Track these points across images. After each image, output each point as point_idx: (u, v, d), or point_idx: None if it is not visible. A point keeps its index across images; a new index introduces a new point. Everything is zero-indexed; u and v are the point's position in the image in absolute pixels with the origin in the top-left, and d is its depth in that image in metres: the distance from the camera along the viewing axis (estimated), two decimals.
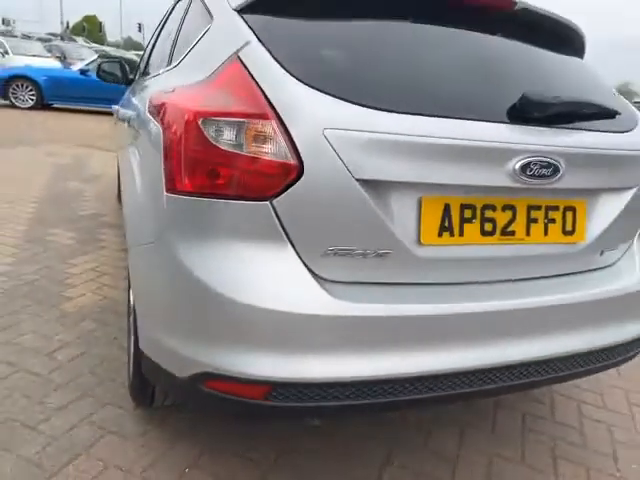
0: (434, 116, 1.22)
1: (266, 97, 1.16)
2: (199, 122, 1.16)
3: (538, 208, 1.41)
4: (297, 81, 1.17)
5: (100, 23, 56.69)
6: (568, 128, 1.37)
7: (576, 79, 1.64)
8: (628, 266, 1.63)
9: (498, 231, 1.36)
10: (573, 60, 1.71)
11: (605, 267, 1.62)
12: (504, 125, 1.28)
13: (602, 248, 1.56)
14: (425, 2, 1.42)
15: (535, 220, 1.41)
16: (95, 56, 12.62)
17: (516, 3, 1.49)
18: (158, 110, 1.42)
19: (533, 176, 1.29)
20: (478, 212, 1.33)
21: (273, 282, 1.18)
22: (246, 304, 1.15)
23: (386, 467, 1.69)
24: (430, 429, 1.89)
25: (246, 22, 1.32)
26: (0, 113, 9.94)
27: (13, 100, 10.54)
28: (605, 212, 1.52)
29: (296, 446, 1.71)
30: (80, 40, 34.88)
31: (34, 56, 14.44)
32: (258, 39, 1.26)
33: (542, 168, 1.29)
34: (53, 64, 13.42)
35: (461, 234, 1.31)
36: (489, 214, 1.34)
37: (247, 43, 1.26)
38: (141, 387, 1.63)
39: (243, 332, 1.18)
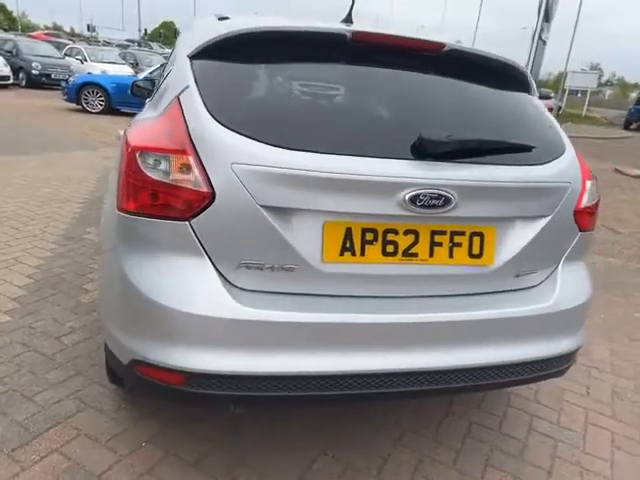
0: (331, 154, 1.41)
1: (189, 135, 1.41)
2: (137, 154, 1.43)
3: (442, 233, 1.56)
4: (215, 122, 1.41)
5: (175, 29, 59.81)
6: (465, 163, 1.51)
7: (505, 114, 1.77)
8: (548, 289, 1.73)
9: (400, 252, 1.53)
10: (509, 95, 1.83)
11: (524, 289, 1.73)
12: (397, 161, 1.45)
13: (516, 271, 1.69)
14: (344, 48, 1.60)
15: (439, 244, 1.56)
16: (159, 64, 13.49)
17: (444, 45, 1.64)
18: (123, 138, 1.72)
19: (424, 206, 1.45)
20: (380, 235, 1.50)
21: (190, 289, 1.43)
22: (167, 306, 1.41)
23: (321, 456, 1.89)
24: (375, 429, 2.07)
25: (192, 67, 1.58)
26: (71, 117, 10.89)
27: (84, 105, 11.51)
28: (517, 238, 1.65)
29: (241, 430, 1.95)
30: (155, 45, 36.92)
31: (110, 63, 15.64)
32: (195, 83, 1.52)
33: (432, 199, 1.45)
34: (126, 71, 14.46)
35: (362, 254, 1.50)
36: (391, 237, 1.51)
37: (187, 87, 1.52)
38: (112, 370, 1.94)
39: (165, 329, 1.43)
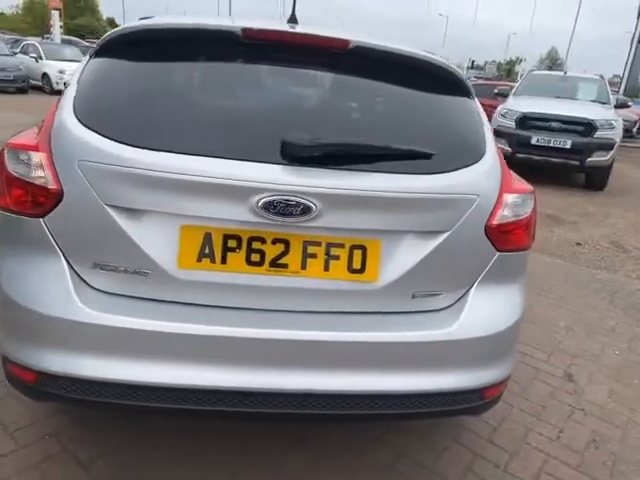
0: (184, 154, 1.34)
1: (50, 132, 1.41)
2: (5, 151, 1.45)
3: (317, 244, 1.43)
4: (75, 118, 1.40)
5: None
6: (335, 169, 1.37)
7: (414, 116, 1.60)
8: (453, 315, 1.54)
9: (267, 263, 1.42)
10: (427, 97, 1.65)
11: (426, 312, 1.55)
12: (255, 164, 1.34)
13: (411, 292, 1.51)
14: (234, 45, 1.50)
15: (313, 255, 1.44)
16: None
17: (348, 42, 1.51)
18: None
19: (279, 214, 1.33)
20: (244, 243, 1.41)
21: (40, 287, 1.42)
22: (19, 304, 1.41)
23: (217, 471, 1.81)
24: (290, 449, 1.94)
25: (84, 66, 1.59)
26: None
27: None
28: (407, 255, 1.48)
29: (147, 438, 1.92)
30: None
31: (69, 61, 14.13)
32: (77, 81, 1.52)
33: (289, 207, 1.33)
34: None
35: (224, 262, 1.41)
36: (256, 246, 1.41)
37: (70, 85, 1.53)
38: None
39: (19, 326, 1.44)
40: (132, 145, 1.35)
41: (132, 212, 1.37)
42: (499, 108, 8.23)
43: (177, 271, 1.40)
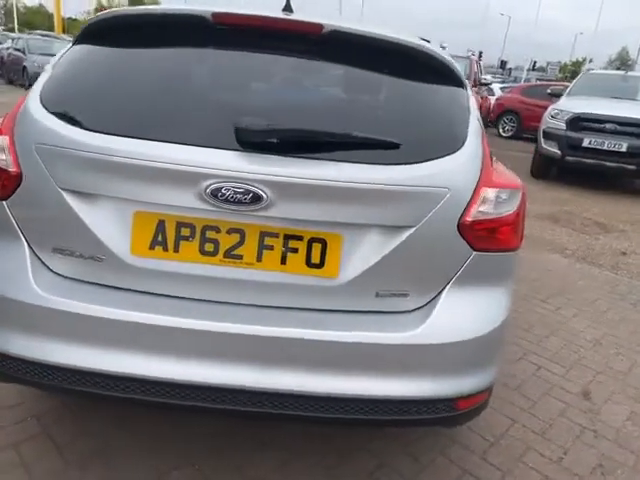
0: (135, 138, 1.31)
1: (15, 116, 1.43)
2: None
3: (274, 235, 1.37)
4: (39, 103, 1.41)
5: None
6: (292, 157, 1.30)
7: (389, 104, 1.50)
8: (420, 317, 1.43)
9: (221, 253, 1.37)
10: (408, 84, 1.54)
11: (393, 313, 1.45)
12: (206, 149, 1.29)
13: (375, 290, 1.41)
14: (204, 30, 1.46)
15: (270, 247, 1.37)
16: None
17: (322, 26, 1.44)
18: None
19: (227, 201, 1.28)
20: (198, 232, 1.36)
21: (1, 271, 1.43)
22: None
23: (183, 467, 1.77)
24: (264, 449, 1.89)
25: (63, 53, 1.60)
26: None
27: None
28: (370, 251, 1.38)
29: (125, 425, 1.92)
30: None
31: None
32: (52, 67, 1.53)
33: (237, 194, 1.27)
34: None
35: (176, 250, 1.37)
36: (211, 235, 1.37)
37: (45, 72, 1.55)
38: None
39: None
40: (85, 128, 1.33)
41: (86, 196, 1.36)
42: (549, 109, 7.83)
43: (130, 258, 1.38)
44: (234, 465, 1.80)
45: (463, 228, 1.40)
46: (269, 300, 1.41)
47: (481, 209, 1.41)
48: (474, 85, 9.20)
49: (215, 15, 1.44)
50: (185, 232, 1.37)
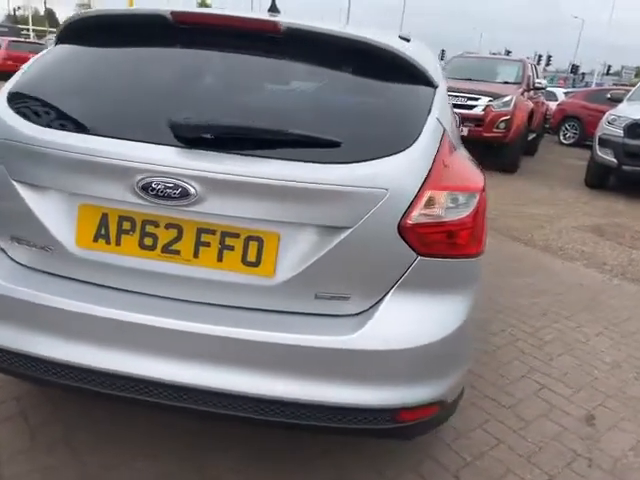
0: (78, 132, 1.36)
1: None
2: None
3: (211, 232, 1.36)
4: (4, 99, 1.48)
5: None
6: (224, 153, 1.29)
7: (339, 102, 1.46)
8: (360, 322, 1.37)
9: (159, 248, 1.38)
10: (364, 82, 1.50)
11: (334, 316, 1.40)
12: (140, 144, 1.32)
13: (314, 291, 1.37)
14: (165, 30, 1.50)
15: (207, 244, 1.37)
16: None
17: (278, 24, 1.43)
18: None
19: (157, 196, 1.29)
20: (138, 226, 1.38)
21: None
22: None
23: (146, 458, 1.80)
24: (227, 449, 1.88)
25: (43, 53, 1.68)
26: None
27: None
28: (306, 250, 1.35)
29: (95, 413, 1.97)
30: None
31: None
32: (25, 68, 1.62)
33: (167, 189, 1.28)
34: None
35: (118, 244, 1.40)
36: (150, 229, 1.38)
37: (19, 70, 1.63)
38: None
39: None
40: (37, 124, 1.39)
41: (36, 188, 1.41)
42: (606, 114, 7.36)
43: (75, 249, 1.42)
44: (196, 464, 1.80)
45: (404, 231, 1.33)
46: (205, 297, 1.41)
47: (425, 212, 1.34)
48: (527, 89, 8.81)
49: (174, 14, 1.46)
50: (126, 226, 1.39)
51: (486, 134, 7.83)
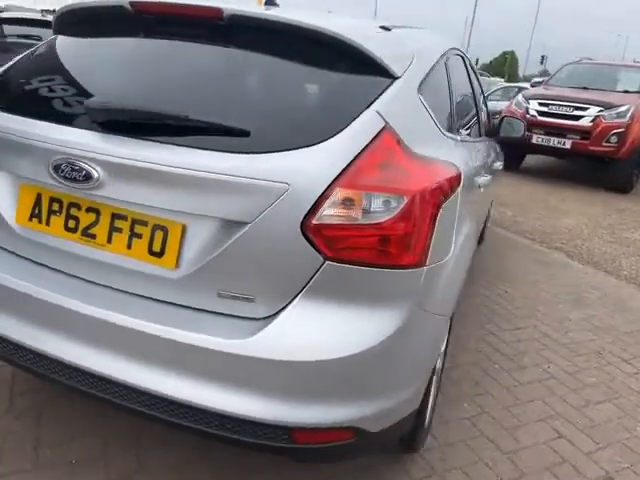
0: (14, 114, 1.44)
1: None
2: None
3: (124, 218, 1.34)
4: None
5: (506, 58, 59.16)
6: (130, 138, 1.27)
7: (251, 88, 1.38)
8: (260, 327, 1.25)
9: (80, 230, 1.39)
10: (279, 66, 1.40)
11: (238, 317, 1.30)
12: (55, 126, 1.36)
13: (216, 289, 1.29)
14: (127, 20, 1.51)
15: (119, 230, 1.35)
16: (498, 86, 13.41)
17: (221, 11, 1.38)
18: None
19: (66, 177, 1.30)
20: (64, 208, 1.41)
21: None
22: None
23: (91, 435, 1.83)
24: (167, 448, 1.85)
25: None
26: None
27: None
28: (208, 245, 1.27)
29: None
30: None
31: None
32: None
33: (73, 171, 1.28)
34: None
35: (47, 224, 1.43)
36: (74, 212, 1.40)
37: None
38: None
39: None
40: None
41: None
42: None
43: (15, 226, 1.48)
44: (137, 457, 1.79)
45: (309, 231, 1.19)
46: (114, 283, 1.39)
47: (334, 212, 1.19)
48: None
49: (132, 3, 1.48)
50: (55, 207, 1.42)
51: (593, 148, 7.04)
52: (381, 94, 1.35)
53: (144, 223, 1.32)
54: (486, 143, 3.00)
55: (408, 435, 1.68)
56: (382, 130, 1.29)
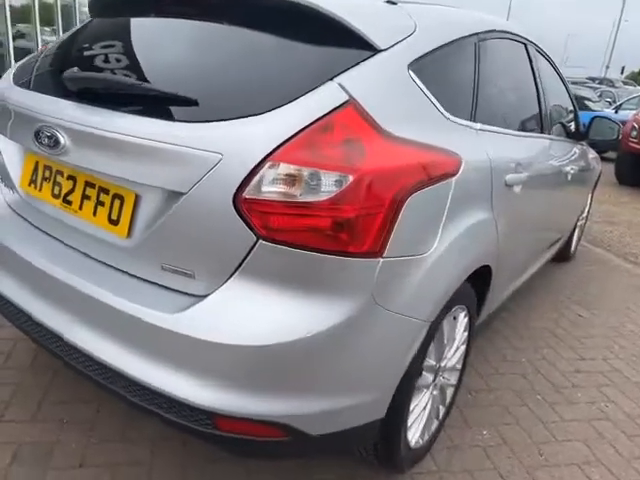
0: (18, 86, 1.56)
1: None
2: None
3: (93, 186, 1.38)
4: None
5: None
6: (92, 105, 1.31)
7: (211, 57, 1.36)
8: (190, 305, 1.20)
9: (61, 196, 1.46)
10: (246, 36, 1.36)
11: (177, 291, 1.27)
12: (43, 96, 1.44)
13: (159, 261, 1.26)
14: None
15: (89, 197, 1.39)
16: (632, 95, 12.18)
17: None
18: None
19: (42, 143, 1.36)
20: (53, 174, 1.49)
21: None
22: None
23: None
24: None
25: None
26: None
27: None
28: (152, 215, 1.26)
29: None
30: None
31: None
32: None
33: (47, 137, 1.34)
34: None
35: (40, 190, 1.53)
36: (59, 179, 1.47)
37: None
38: None
39: None
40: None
41: (3, 137, 1.64)
42: None
43: (20, 190, 1.60)
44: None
45: (240, 206, 1.12)
46: (83, 248, 1.44)
47: (266, 187, 1.10)
48: None
49: None
50: (47, 174, 1.51)
51: None
52: (352, 67, 1.24)
53: (106, 192, 1.35)
54: (561, 144, 2.66)
55: (383, 450, 1.52)
56: (343, 104, 1.18)
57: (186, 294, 1.26)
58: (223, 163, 1.12)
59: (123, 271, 1.36)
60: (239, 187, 1.12)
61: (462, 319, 1.76)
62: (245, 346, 1.14)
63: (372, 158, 1.17)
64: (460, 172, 1.42)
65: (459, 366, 1.89)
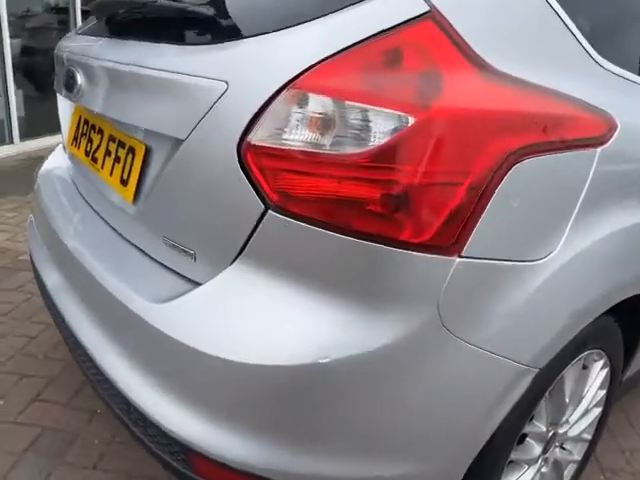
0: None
1: None
2: None
3: (114, 140, 1.15)
4: None
5: None
6: (114, 38, 1.10)
7: None
8: (180, 294, 0.88)
9: (91, 153, 1.26)
10: None
11: (178, 274, 0.96)
12: (79, 37, 1.29)
13: (161, 233, 0.97)
14: None
15: (109, 153, 1.16)
16: None
17: None
18: None
19: (66, 87, 1.18)
20: (89, 129, 1.29)
21: None
22: None
23: None
24: None
25: None
26: None
27: None
28: (155, 173, 0.98)
29: None
30: None
31: None
32: None
33: (70, 78, 1.15)
34: None
35: (79, 148, 1.34)
36: (92, 134, 1.27)
37: None
38: None
39: None
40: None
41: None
42: None
43: (67, 150, 1.46)
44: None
45: (246, 157, 0.77)
46: (102, 212, 1.22)
47: (281, 129, 0.74)
48: None
49: None
50: (84, 129, 1.32)
51: None
52: None
53: (123, 145, 1.10)
54: None
55: None
56: (420, 17, 0.77)
57: (185, 279, 0.95)
58: (228, 95, 0.78)
59: (131, 243, 1.10)
60: (246, 129, 0.77)
61: (598, 370, 1.20)
62: (222, 359, 0.78)
63: (453, 95, 0.74)
64: (612, 140, 0.91)
65: (588, 436, 1.31)
